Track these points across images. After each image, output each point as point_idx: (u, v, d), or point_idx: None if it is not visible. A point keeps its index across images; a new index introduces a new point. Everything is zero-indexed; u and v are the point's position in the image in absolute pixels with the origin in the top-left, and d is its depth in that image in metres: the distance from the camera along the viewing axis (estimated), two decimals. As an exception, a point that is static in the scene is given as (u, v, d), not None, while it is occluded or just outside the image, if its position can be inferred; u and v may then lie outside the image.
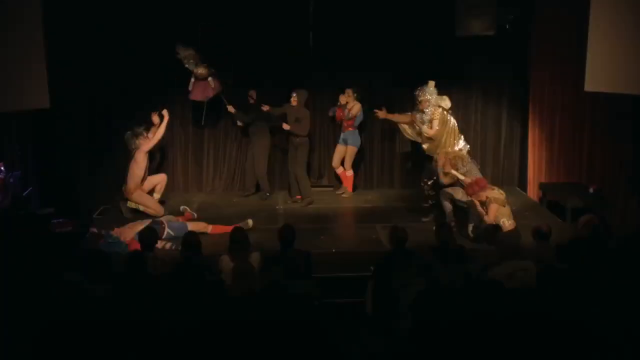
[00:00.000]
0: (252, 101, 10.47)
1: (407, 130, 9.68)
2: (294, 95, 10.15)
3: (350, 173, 10.83)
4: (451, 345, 4.77)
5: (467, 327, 4.89)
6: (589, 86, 8.31)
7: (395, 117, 9.74)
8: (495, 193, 8.23)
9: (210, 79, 10.35)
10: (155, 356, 4.98)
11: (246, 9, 10.58)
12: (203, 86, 10.38)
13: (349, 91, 10.47)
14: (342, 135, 10.66)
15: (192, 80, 10.36)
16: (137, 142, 9.53)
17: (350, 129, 10.57)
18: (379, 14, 10.67)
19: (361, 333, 5.25)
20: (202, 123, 10.76)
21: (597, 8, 8.14)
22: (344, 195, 10.79)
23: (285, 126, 10.19)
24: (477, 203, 8.23)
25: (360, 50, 10.75)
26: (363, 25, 10.72)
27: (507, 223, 8.01)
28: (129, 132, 9.61)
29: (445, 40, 10.49)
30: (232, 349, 4.99)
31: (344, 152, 10.69)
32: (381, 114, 9.73)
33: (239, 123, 10.63)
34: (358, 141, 10.67)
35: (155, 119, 10.00)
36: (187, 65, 10.18)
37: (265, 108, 10.26)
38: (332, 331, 5.20)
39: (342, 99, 10.53)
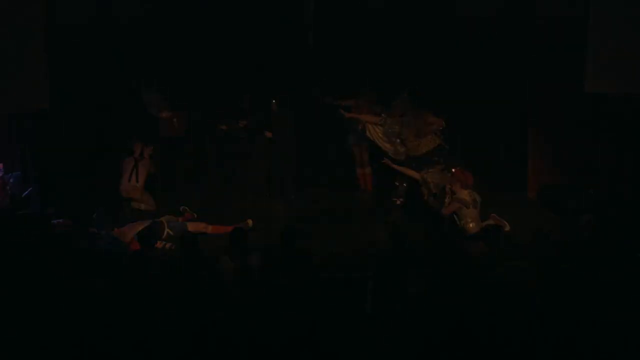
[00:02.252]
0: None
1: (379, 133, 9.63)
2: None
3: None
4: (454, 344, 4.78)
5: (471, 325, 4.90)
6: (590, 87, 8.32)
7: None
8: (465, 194, 8.23)
9: (175, 120, 10.37)
10: (154, 355, 4.98)
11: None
12: (170, 124, 10.45)
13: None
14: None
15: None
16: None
17: None
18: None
19: None
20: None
21: (597, 8, 8.15)
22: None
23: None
24: (449, 189, 8.32)
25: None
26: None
27: (471, 225, 8.11)
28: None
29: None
30: (231, 348, 4.99)
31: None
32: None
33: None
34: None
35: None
36: (149, 111, 10.22)
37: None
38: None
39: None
